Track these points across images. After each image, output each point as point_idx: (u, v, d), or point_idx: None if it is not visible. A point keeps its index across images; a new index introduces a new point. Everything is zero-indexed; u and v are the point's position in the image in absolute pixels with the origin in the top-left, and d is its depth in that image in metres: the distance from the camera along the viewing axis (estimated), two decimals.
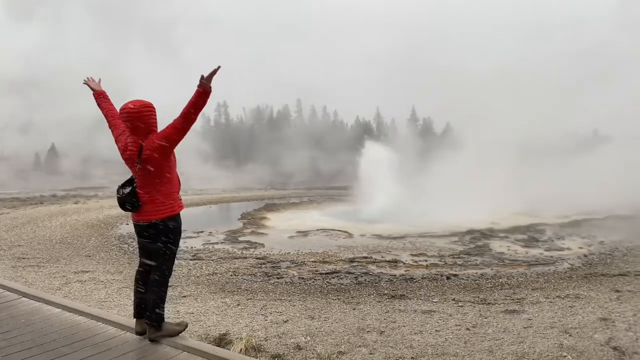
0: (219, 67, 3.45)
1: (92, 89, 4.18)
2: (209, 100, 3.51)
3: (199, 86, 3.43)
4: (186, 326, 4.12)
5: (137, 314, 3.94)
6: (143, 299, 3.88)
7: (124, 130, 3.78)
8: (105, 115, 4.05)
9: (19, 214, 20.00)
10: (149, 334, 3.84)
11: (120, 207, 3.80)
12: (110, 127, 3.97)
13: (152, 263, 3.82)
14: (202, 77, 3.41)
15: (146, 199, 3.67)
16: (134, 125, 3.61)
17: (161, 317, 3.85)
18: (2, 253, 11.25)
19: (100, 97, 4.14)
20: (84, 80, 4.21)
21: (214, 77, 3.46)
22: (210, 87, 3.46)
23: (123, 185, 3.76)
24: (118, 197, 3.76)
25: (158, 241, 3.74)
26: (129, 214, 3.85)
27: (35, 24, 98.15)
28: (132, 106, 3.60)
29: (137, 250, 4.05)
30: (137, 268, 4.03)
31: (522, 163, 25.81)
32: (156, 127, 3.68)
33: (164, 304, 3.88)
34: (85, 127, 47.58)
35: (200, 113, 3.57)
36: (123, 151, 3.72)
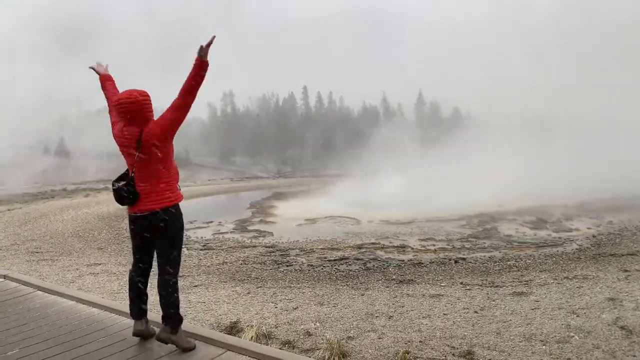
0: (214, 37, 3.36)
1: (97, 72, 4.05)
2: (206, 74, 3.41)
3: (197, 57, 3.36)
4: (194, 347, 3.76)
5: (138, 315, 3.80)
6: (144, 299, 3.79)
7: (121, 119, 3.61)
8: (108, 99, 3.91)
9: (31, 209, 20.24)
10: (163, 332, 3.63)
11: (117, 201, 3.64)
12: (110, 112, 3.82)
13: (162, 257, 3.65)
14: (201, 47, 3.35)
15: (148, 189, 3.55)
16: (132, 116, 3.47)
17: (181, 319, 3.72)
18: (16, 248, 11.42)
19: (106, 82, 4.01)
20: (90, 65, 4.08)
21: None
22: (207, 60, 3.38)
23: (118, 179, 3.63)
24: (114, 190, 3.61)
25: (164, 232, 3.60)
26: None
27: None
28: (127, 96, 3.47)
29: (133, 248, 3.83)
30: (132, 268, 3.84)
31: (531, 144, 25.70)
32: (152, 115, 3.56)
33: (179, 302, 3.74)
34: (94, 120, 47.86)
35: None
36: (118, 136, 3.58)
